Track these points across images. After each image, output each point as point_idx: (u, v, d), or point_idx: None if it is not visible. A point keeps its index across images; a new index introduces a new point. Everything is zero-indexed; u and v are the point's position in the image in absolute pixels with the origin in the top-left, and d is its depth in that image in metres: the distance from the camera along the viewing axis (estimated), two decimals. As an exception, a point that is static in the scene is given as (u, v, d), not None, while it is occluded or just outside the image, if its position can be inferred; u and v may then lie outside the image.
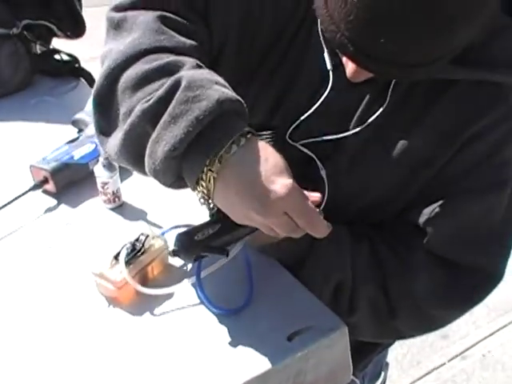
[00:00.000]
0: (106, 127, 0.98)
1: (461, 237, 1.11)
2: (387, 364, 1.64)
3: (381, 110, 1.06)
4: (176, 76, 0.90)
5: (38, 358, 0.98)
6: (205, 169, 0.87)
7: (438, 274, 1.12)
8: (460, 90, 1.04)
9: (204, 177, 0.88)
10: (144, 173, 0.95)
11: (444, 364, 2.79)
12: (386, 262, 1.14)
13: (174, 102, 0.88)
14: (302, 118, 1.11)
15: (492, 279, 1.14)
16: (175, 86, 0.89)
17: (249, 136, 0.89)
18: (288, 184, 0.87)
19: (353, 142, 1.10)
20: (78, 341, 1.01)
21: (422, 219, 1.10)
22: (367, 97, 1.08)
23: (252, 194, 0.87)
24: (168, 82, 0.90)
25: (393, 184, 1.11)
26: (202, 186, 0.89)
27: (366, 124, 1.07)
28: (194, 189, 0.92)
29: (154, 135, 0.89)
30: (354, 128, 1.09)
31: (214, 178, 0.87)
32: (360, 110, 1.09)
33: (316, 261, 1.13)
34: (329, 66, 1.07)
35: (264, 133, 1.05)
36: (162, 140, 0.87)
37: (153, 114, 0.89)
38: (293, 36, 1.12)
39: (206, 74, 0.92)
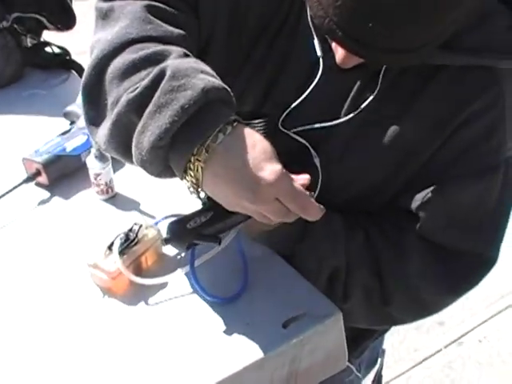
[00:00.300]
0: (95, 117, 0.98)
1: (453, 222, 1.11)
2: (384, 351, 1.64)
3: (372, 96, 1.06)
4: (161, 65, 0.89)
5: (32, 348, 0.98)
6: (192, 158, 0.87)
7: (430, 258, 1.13)
8: (449, 76, 1.04)
9: (192, 166, 0.88)
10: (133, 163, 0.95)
11: (440, 350, 2.79)
12: (379, 247, 1.14)
13: (158, 92, 0.87)
14: (294, 104, 1.11)
15: (485, 263, 1.15)
16: (160, 76, 0.88)
17: (235, 124, 0.89)
18: (277, 170, 0.87)
19: (344, 129, 1.10)
20: (73, 331, 1.01)
21: (413, 205, 1.11)
22: (358, 83, 1.08)
23: (241, 182, 0.87)
24: (153, 71, 0.89)
25: (384, 170, 1.11)
26: (191, 176, 0.89)
27: (358, 110, 1.07)
28: (182, 178, 0.91)
29: (139, 125, 0.88)
30: (345, 115, 1.09)
31: (201, 167, 0.87)
32: (351, 96, 1.09)
33: (310, 248, 1.13)
34: (319, 53, 1.08)
35: (255, 121, 1.05)
36: (148, 130, 0.87)
37: (138, 104, 0.88)
38: (281, 24, 1.12)
39: (192, 62, 0.91)
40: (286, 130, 1.13)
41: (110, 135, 0.93)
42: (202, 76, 0.88)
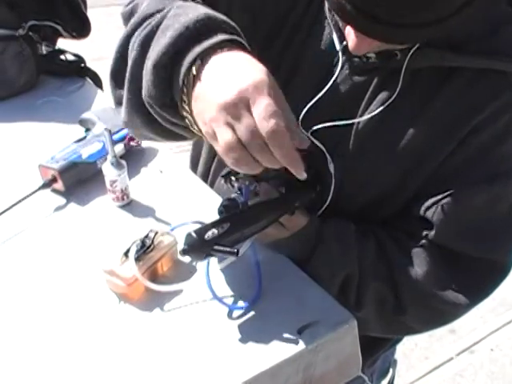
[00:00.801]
0: (120, 97, 1.01)
1: (466, 228, 1.11)
2: (395, 361, 1.64)
3: (394, 96, 1.06)
4: (169, 7, 0.95)
5: (48, 354, 0.99)
6: (190, 73, 0.87)
7: (443, 265, 1.12)
8: (463, 80, 1.04)
9: (187, 82, 0.87)
10: (153, 129, 0.98)
11: (452, 359, 2.79)
12: (392, 255, 1.14)
13: (164, 21, 0.92)
14: (311, 102, 1.11)
15: (500, 271, 1.14)
16: (166, 12, 0.94)
17: (233, 43, 0.88)
18: (266, 71, 0.85)
19: (358, 131, 1.10)
20: (89, 337, 1.02)
21: (425, 211, 1.10)
22: (374, 83, 1.08)
23: (227, 81, 0.83)
24: (162, 12, 0.95)
25: (398, 173, 1.11)
26: (186, 97, 0.88)
27: (377, 110, 1.07)
28: (181, 108, 0.90)
29: (148, 54, 0.91)
30: (360, 116, 1.09)
31: (193, 75, 0.86)
32: (366, 97, 1.09)
33: (322, 256, 1.13)
34: (338, 47, 1.09)
35: None
36: (153, 52, 0.89)
37: (147, 43, 0.92)
38: (297, 24, 1.13)
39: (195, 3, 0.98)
40: (304, 132, 1.13)
41: (127, 96, 0.96)
42: (204, 8, 0.92)
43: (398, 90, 1.05)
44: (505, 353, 2.81)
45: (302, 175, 0.89)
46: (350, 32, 0.97)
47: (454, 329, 2.86)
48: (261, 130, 0.82)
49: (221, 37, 0.88)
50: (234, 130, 0.83)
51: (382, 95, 1.07)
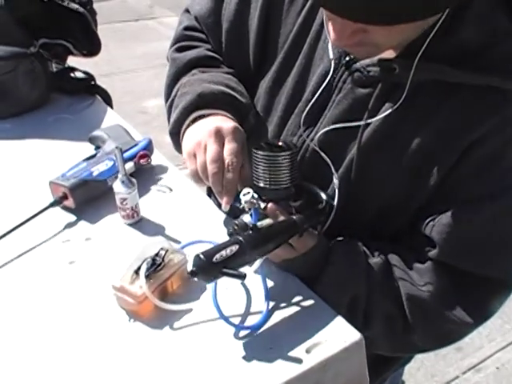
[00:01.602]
0: None
1: (470, 246, 1.11)
2: (403, 382, 1.65)
3: (396, 106, 1.07)
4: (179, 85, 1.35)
5: (59, 370, 1.00)
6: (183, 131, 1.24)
7: (449, 284, 1.13)
8: (463, 95, 1.04)
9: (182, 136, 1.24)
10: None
11: (458, 377, 2.78)
12: (399, 274, 1.14)
13: (176, 100, 1.31)
14: (309, 105, 1.17)
15: (503, 288, 1.14)
16: (177, 91, 1.34)
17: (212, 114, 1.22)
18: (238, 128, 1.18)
19: (361, 143, 1.11)
20: (98, 353, 1.03)
21: (429, 229, 1.11)
22: (375, 96, 1.09)
23: (204, 127, 1.17)
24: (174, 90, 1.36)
25: (402, 188, 1.11)
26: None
27: (376, 118, 1.09)
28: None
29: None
30: (364, 127, 1.11)
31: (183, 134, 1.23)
32: (369, 109, 1.10)
33: (331, 277, 1.14)
34: (331, 55, 1.12)
35: (282, 153, 1.07)
36: (171, 119, 1.30)
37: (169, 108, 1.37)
38: (305, 34, 1.21)
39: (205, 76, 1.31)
40: (310, 142, 1.17)
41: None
42: (205, 85, 1.26)
43: (400, 102, 1.07)
44: (511, 371, 2.80)
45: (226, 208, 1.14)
46: (328, 22, 0.98)
47: (461, 347, 2.85)
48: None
49: (204, 111, 1.22)
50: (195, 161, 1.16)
51: (384, 109, 1.09)
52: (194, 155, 1.15)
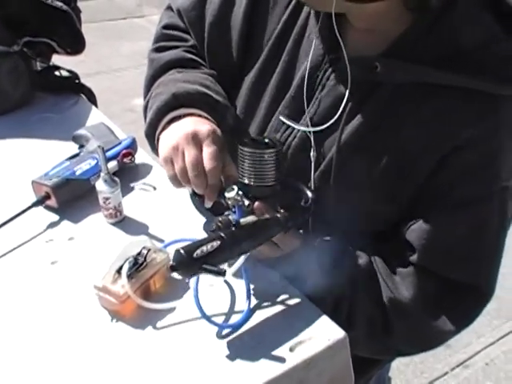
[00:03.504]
0: None
1: (451, 253, 1.10)
2: (390, 378, 1.64)
3: (380, 102, 1.07)
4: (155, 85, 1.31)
5: (40, 371, 0.99)
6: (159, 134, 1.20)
7: (429, 289, 1.12)
8: (449, 99, 1.03)
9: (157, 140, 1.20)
10: None
11: (447, 373, 2.78)
12: (382, 277, 1.14)
13: (150, 101, 1.26)
14: (308, 108, 1.15)
15: (484, 295, 1.14)
16: (152, 92, 1.29)
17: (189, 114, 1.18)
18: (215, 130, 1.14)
19: (343, 143, 1.10)
20: (81, 354, 1.02)
21: (410, 235, 1.11)
22: (356, 95, 1.09)
23: (180, 130, 1.13)
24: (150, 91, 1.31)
25: (383, 189, 1.11)
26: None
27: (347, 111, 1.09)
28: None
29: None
30: (343, 127, 1.10)
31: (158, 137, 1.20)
32: (348, 109, 1.09)
33: (315, 275, 1.13)
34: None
35: (268, 151, 1.06)
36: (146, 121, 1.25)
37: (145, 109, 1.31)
38: (288, 32, 1.20)
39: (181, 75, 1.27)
40: (296, 131, 1.17)
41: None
42: (179, 84, 1.22)
43: (381, 102, 1.07)
44: (499, 367, 2.81)
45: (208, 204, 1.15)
46: None
47: (449, 343, 2.81)
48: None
49: (179, 112, 1.18)
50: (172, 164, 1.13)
51: (365, 108, 1.08)
52: (171, 161, 1.12)
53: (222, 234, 0.98)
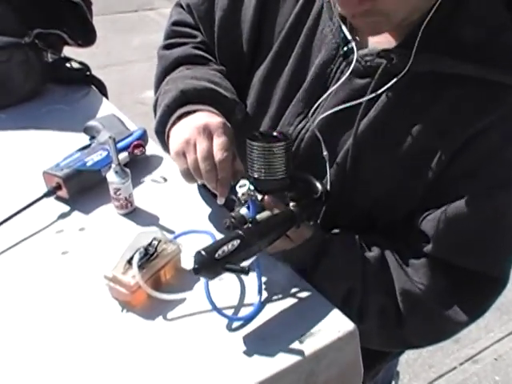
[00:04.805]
0: None
1: (465, 242, 1.10)
2: (398, 373, 1.64)
3: (397, 93, 1.07)
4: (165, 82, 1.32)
5: (51, 360, 1.00)
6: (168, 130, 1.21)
7: (443, 280, 1.12)
8: (462, 87, 1.03)
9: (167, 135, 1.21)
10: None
11: (455, 368, 2.78)
12: (394, 269, 1.14)
13: (159, 97, 1.27)
14: (322, 98, 1.14)
15: (498, 285, 1.14)
16: (161, 88, 1.30)
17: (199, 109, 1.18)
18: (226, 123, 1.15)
19: (359, 134, 1.10)
20: (92, 344, 1.02)
21: (425, 225, 1.10)
22: (372, 86, 1.08)
23: (191, 124, 1.15)
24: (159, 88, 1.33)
25: (398, 179, 1.11)
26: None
27: (375, 93, 1.08)
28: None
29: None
30: (361, 118, 1.10)
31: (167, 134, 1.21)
32: (365, 100, 1.09)
33: (326, 269, 1.14)
34: (349, 36, 1.11)
35: (277, 144, 1.06)
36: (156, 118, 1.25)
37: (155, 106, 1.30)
38: (299, 28, 1.20)
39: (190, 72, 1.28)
40: (312, 128, 1.16)
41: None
42: (187, 81, 1.23)
43: (397, 93, 1.07)
44: (508, 362, 2.81)
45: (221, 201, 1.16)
46: None
47: (458, 338, 2.85)
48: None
49: (188, 108, 1.19)
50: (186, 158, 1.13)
51: (382, 100, 1.08)
52: (184, 154, 1.12)
53: (241, 232, 0.98)
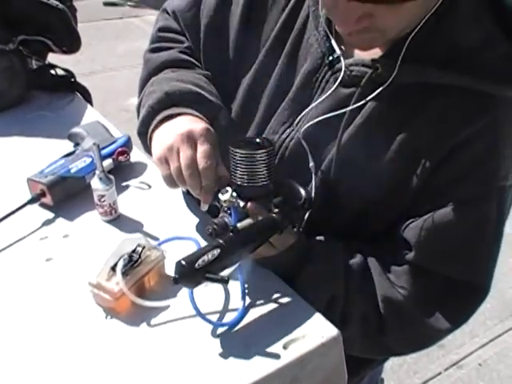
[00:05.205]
0: None
1: (449, 251, 1.11)
2: (382, 379, 1.65)
3: (382, 102, 1.07)
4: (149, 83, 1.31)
5: (36, 367, 0.99)
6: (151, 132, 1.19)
7: (425, 288, 1.13)
8: (448, 98, 1.04)
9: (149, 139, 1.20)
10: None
11: (440, 373, 2.79)
12: (376, 275, 1.14)
13: (143, 98, 1.25)
14: (307, 109, 1.15)
15: (481, 294, 1.15)
16: (146, 89, 1.28)
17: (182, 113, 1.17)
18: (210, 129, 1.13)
19: (344, 143, 1.11)
20: (76, 351, 1.02)
21: (408, 233, 1.11)
22: (356, 95, 1.09)
23: (175, 130, 1.13)
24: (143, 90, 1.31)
25: (383, 188, 1.11)
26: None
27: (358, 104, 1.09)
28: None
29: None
30: (345, 127, 1.10)
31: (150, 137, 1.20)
32: (349, 109, 1.09)
33: (309, 275, 1.14)
34: (338, 51, 1.11)
35: (261, 151, 1.06)
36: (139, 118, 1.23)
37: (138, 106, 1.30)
38: (284, 36, 1.20)
39: (172, 74, 1.28)
40: (296, 136, 1.17)
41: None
42: (172, 83, 1.22)
43: (382, 103, 1.07)
44: (492, 368, 2.82)
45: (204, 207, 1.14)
46: (335, 10, 0.97)
47: (443, 344, 2.86)
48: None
49: (172, 111, 1.18)
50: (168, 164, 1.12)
51: (367, 109, 1.08)
52: (166, 160, 1.11)
53: (222, 241, 0.99)
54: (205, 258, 0.95)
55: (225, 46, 1.27)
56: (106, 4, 7.78)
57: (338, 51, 1.10)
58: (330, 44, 1.11)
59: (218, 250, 0.97)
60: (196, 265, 0.94)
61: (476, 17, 1.03)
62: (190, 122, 1.14)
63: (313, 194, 1.14)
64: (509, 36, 1.03)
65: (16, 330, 1.06)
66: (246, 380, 0.96)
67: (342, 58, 1.10)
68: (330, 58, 1.12)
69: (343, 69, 1.09)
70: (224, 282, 0.96)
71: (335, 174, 1.12)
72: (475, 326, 2.97)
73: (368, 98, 1.07)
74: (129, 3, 7.93)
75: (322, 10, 1.11)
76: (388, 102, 1.07)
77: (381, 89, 1.05)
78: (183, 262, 0.94)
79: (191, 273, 0.94)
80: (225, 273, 1.00)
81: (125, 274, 1.07)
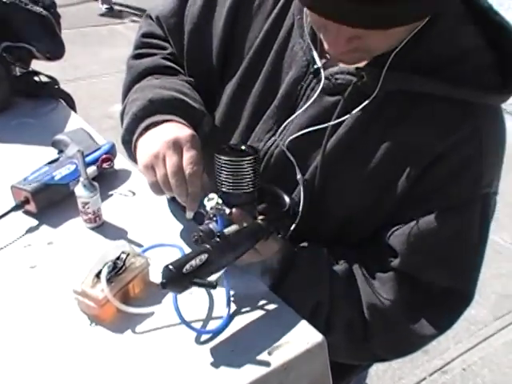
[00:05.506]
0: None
1: (433, 258, 1.12)
2: (367, 386, 1.65)
3: (366, 111, 1.07)
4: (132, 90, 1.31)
5: (19, 374, 0.99)
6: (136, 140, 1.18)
7: (410, 294, 1.13)
8: (430, 106, 1.05)
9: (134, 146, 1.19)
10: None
11: (425, 379, 2.80)
12: (362, 283, 1.15)
13: (127, 106, 1.25)
14: (290, 118, 1.15)
15: (465, 300, 1.15)
16: (129, 97, 1.28)
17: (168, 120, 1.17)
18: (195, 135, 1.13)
19: (328, 151, 1.11)
20: (60, 358, 1.02)
21: (395, 240, 1.11)
22: (341, 104, 1.09)
23: (160, 137, 1.12)
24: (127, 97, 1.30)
25: (367, 196, 1.12)
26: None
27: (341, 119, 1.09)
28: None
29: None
30: (329, 136, 1.10)
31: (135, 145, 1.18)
32: (334, 118, 1.10)
33: (294, 282, 1.15)
34: (319, 63, 1.11)
35: (246, 158, 1.06)
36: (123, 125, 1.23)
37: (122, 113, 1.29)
38: (268, 45, 1.20)
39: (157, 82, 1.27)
40: (276, 149, 1.17)
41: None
42: (155, 90, 1.22)
43: (366, 111, 1.07)
44: (477, 373, 2.83)
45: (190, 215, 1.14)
46: (325, 31, 0.98)
47: (427, 349, 2.86)
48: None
49: (156, 118, 1.17)
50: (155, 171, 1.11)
51: (351, 118, 1.09)
52: (152, 167, 1.10)
53: (209, 247, 0.99)
54: (192, 262, 0.96)
55: (209, 52, 1.27)
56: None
57: (319, 63, 1.11)
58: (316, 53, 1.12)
59: (206, 255, 0.97)
60: (184, 269, 0.95)
61: (459, 29, 1.05)
62: (175, 129, 1.14)
63: (301, 207, 1.14)
64: (493, 46, 1.04)
65: (0, 337, 1.06)
66: (231, 387, 0.96)
67: (321, 70, 1.10)
68: (315, 66, 1.12)
69: (323, 80, 1.10)
70: (212, 286, 0.97)
71: (320, 182, 1.13)
72: (459, 332, 2.99)
73: (353, 112, 1.07)
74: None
75: (307, 19, 1.11)
76: (372, 110, 1.07)
77: (366, 102, 1.06)
78: (171, 267, 0.94)
79: (179, 277, 0.94)
80: (212, 278, 1.00)
81: (109, 280, 1.07)
